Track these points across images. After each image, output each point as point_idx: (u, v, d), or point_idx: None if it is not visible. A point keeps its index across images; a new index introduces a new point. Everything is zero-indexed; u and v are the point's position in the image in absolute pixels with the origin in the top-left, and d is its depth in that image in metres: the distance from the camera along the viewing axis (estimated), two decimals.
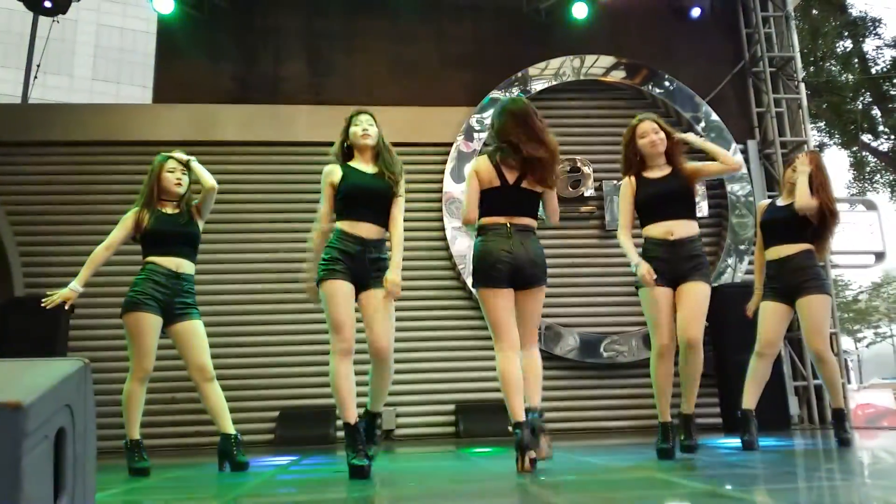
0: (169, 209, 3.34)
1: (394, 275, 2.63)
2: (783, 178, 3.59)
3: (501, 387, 2.52)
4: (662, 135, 3.18)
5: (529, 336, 2.67)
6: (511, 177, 2.70)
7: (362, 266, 2.65)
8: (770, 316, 3.46)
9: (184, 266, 3.29)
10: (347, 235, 2.66)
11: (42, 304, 3.06)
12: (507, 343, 2.57)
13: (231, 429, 3.20)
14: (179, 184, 3.33)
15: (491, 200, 2.69)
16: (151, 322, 3.10)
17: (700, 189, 6.20)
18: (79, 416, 1.42)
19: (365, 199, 2.71)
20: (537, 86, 6.29)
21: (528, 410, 2.48)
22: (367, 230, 2.69)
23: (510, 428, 2.47)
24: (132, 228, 3.26)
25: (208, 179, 3.44)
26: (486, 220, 2.69)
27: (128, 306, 3.11)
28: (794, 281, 3.35)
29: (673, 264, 2.98)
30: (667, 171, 3.17)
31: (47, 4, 5.85)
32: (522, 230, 2.67)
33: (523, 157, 2.69)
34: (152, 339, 3.12)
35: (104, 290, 5.61)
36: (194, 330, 3.23)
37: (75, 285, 3.06)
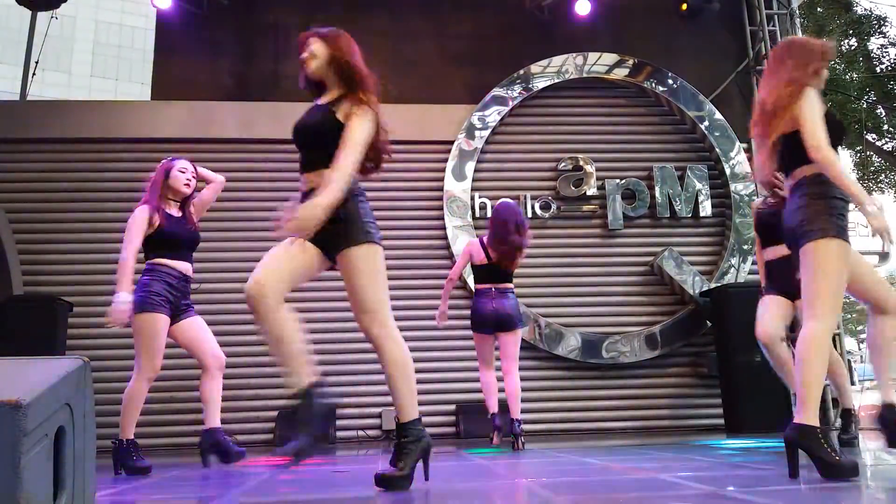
0: (174, 210, 3.31)
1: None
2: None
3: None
4: None
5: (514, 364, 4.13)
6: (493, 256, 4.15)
7: None
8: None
9: (190, 270, 3.36)
10: None
11: (107, 325, 3.08)
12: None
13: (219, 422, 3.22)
14: (188, 185, 3.29)
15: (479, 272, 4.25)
16: (164, 323, 3.11)
17: (703, 189, 6.19)
18: (78, 414, 1.41)
19: None
20: (539, 83, 6.27)
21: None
22: None
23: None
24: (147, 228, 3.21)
25: (216, 175, 3.46)
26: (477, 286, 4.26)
27: (141, 307, 3.07)
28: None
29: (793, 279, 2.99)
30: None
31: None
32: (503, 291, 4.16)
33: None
34: (163, 339, 3.12)
35: (103, 289, 5.59)
36: (201, 322, 3.34)
37: (126, 296, 3.01)
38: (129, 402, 3.11)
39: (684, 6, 6.06)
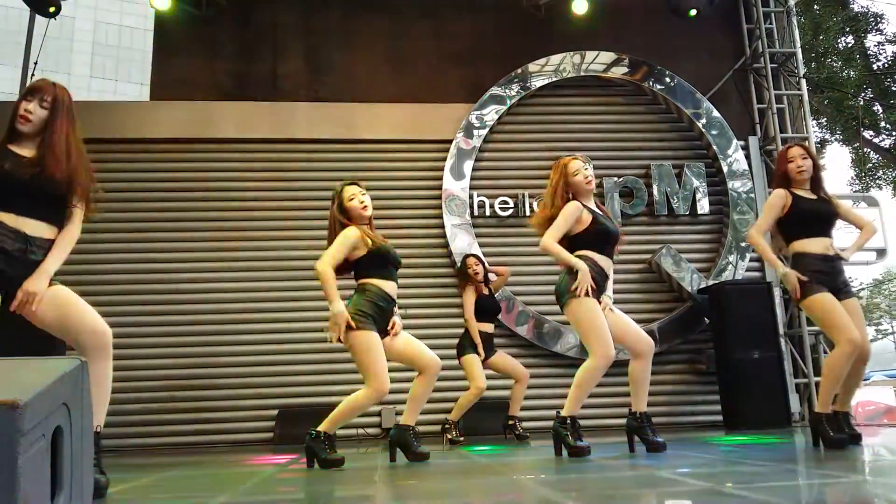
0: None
1: None
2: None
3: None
4: (810, 162, 3.29)
5: None
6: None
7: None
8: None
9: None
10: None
11: (329, 342, 3.03)
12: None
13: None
14: (365, 207, 3.23)
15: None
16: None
17: (701, 186, 6.19)
18: (76, 414, 1.41)
19: None
20: (537, 82, 6.27)
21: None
22: None
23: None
24: (351, 249, 3.13)
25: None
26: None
27: (365, 322, 3.02)
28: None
29: (832, 277, 3.11)
30: (813, 196, 3.27)
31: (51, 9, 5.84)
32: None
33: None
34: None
35: (102, 289, 5.61)
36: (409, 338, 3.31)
37: (341, 307, 2.98)
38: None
39: (692, 12, 6.08)
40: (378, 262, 3.16)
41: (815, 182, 3.31)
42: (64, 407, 1.37)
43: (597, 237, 3.14)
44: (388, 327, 3.18)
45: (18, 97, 2.55)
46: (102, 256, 5.70)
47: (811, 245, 3.16)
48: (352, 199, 3.22)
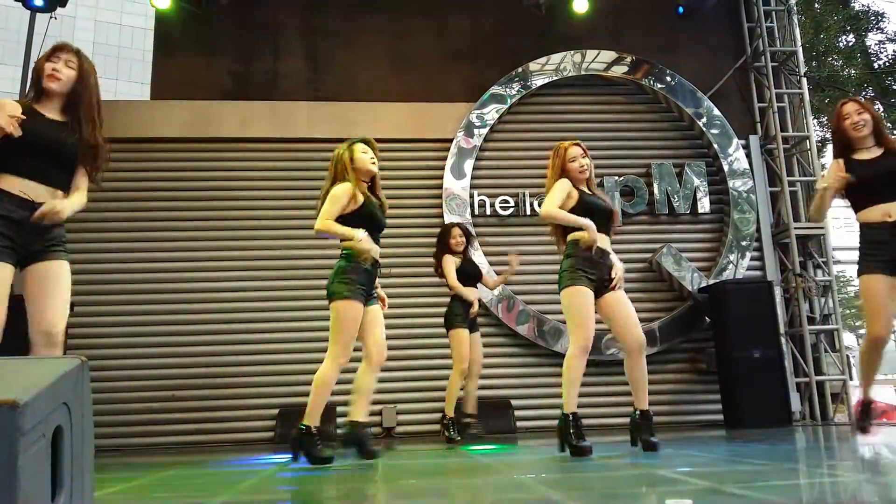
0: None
1: None
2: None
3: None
4: (867, 116, 3.06)
5: None
6: None
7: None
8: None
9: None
10: None
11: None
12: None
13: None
14: (374, 163, 3.23)
15: None
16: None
17: (702, 185, 6.19)
18: (76, 414, 1.41)
19: None
20: (538, 81, 6.27)
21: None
22: None
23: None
24: (345, 204, 3.08)
25: None
26: None
27: (353, 293, 2.98)
28: None
29: (893, 248, 2.90)
30: (877, 152, 3.05)
31: (38, 3, 5.84)
32: None
33: None
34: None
35: (103, 288, 5.61)
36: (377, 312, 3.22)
37: (361, 233, 2.98)
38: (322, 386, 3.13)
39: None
40: (363, 221, 3.09)
41: (878, 135, 3.06)
42: (64, 406, 1.36)
43: (585, 214, 3.06)
44: (374, 293, 3.14)
45: (41, 58, 2.51)
46: (102, 256, 5.70)
47: (869, 214, 2.96)
48: (364, 153, 3.23)
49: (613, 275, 3.06)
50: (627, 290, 5.91)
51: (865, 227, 2.99)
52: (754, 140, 6.45)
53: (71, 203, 2.44)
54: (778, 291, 5.92)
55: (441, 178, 5.97)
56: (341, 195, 3.09)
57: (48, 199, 2.41)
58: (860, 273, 2.95)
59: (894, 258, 2.90)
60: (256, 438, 5.43)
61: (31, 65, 6.63)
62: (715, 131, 6.28)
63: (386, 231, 3.61)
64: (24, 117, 2.25)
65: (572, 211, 3.08)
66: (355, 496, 2.11)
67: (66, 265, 2.47)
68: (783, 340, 5.86)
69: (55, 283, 2.40)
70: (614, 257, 3.16)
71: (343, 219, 3.10)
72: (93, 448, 1.50)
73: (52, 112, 2.42)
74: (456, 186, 5.95)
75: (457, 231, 4.74)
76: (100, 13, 32.87)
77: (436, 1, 6.57)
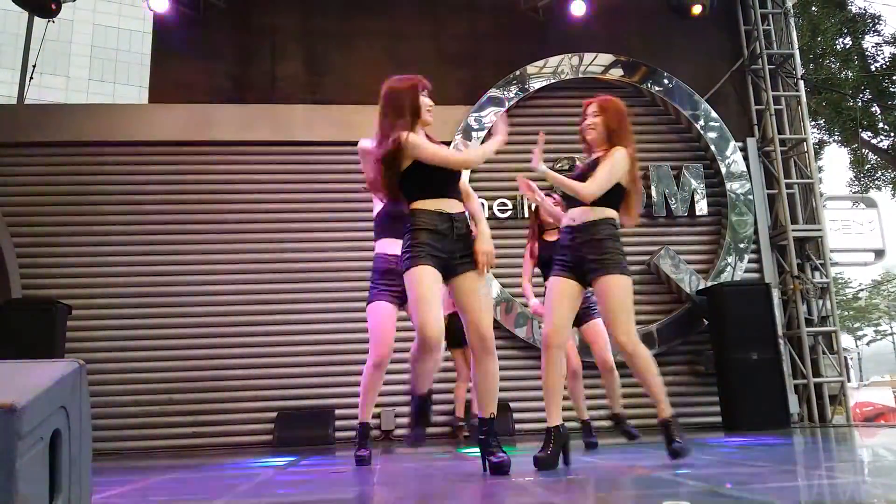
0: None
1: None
2: None
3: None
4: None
5: None
6: None
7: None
8: None
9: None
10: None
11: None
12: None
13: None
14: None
15: None
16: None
17: (699, 188, 6.20)
18: (74, 417, 1.41)
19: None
20: (535, 84, 6.28)
21: None
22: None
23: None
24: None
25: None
26: None
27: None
28: None
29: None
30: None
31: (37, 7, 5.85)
32: None
33: None
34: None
35: (101, 291, 5.61)
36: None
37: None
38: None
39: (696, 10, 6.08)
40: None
41: None
42: (62, 410, 1.36)
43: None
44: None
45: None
46: (100, 259, 5.70)
47: None
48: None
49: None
50: None
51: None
52: (752, 142, 6.47)
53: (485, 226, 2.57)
54: (776, 293, 5.93)
55: None
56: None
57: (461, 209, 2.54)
58: None
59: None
60: (255, 441, 5.42)
61: (29, 68, 6.66)
62: (712, 134, 6.29)
63: None
64: None
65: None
66: (355, 499, 2.11)
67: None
68: (781, 342, 5.87)
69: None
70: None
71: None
72: (90, 451, 1.50)
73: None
74: None
75: None
76: (98, 17, 32.88)
77: (433, 4, 6.58)
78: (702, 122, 6.29)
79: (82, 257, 5.71)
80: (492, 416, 2.45)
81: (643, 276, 6.06)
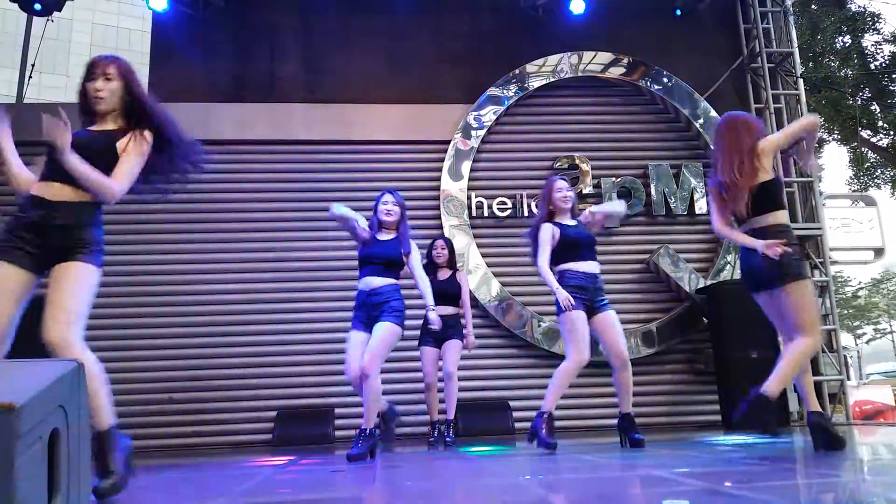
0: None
1: None
2: None
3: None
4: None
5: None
6: None
7: None
8: None
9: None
10: None
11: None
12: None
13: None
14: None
15: None
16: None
17: (699, 186, 6.20)
18: (73, 416, 1.41)
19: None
20: (535, 83, 6.28)
21: None
22: None
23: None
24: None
25: None
26: None
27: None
28: None
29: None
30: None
31: (37, 7, 5.84)
32: None
33: None
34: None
35: (101, 290, 5.59)
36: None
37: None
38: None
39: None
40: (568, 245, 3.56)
41: None
42: (61, 409, 1.36)
43: (568, 246, 3.53)
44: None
45: (82, 79, 2.54)
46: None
47: None
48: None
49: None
50: (625, 292, 5.99)
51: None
52: None
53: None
54: None
55: (438, 179, 5.98)
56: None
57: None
58: None
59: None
60: (254, 440, 5.43)
61: (28, 67, 6.65)
62: (712, 132, 6.28)
63: None
64: None
65: (556, 245, 3.55)
66: (354, 499, 2.11)
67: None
68: (780, 341, 5.87)
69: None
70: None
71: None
72: (89, 450, 1.50)
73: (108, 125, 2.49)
74: (453, 188, 5.96)
75: (440, 243, 4.70)
76: (97, 15, 32.84)
77: (433, 2, 6.57)
78: (701, 121, 6.29)
79: None
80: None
81: (642, 275, 6.07)
